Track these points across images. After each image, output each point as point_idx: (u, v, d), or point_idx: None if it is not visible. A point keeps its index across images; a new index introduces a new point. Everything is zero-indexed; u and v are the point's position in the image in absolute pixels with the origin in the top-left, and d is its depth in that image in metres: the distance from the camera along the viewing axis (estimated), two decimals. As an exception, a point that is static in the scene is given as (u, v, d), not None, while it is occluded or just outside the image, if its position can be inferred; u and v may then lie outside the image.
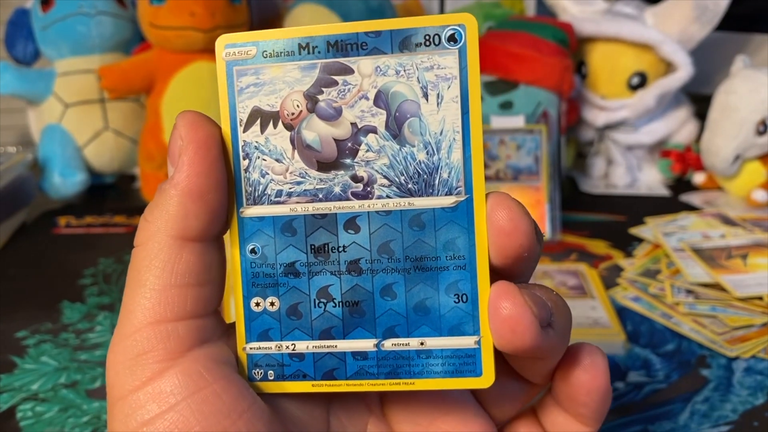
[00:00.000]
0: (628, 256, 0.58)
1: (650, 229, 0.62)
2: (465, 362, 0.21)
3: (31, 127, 0.77)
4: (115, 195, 0.76)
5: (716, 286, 0.51)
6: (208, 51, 0.70)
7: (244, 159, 0.21)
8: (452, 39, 0.20)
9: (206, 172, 0.20)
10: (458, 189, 0.21)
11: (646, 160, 0.78)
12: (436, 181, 0.21)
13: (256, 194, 0.21)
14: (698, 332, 0.46)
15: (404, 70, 0.21)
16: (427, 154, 0.21)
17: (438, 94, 0.21)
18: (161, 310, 0.20)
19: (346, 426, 0.23)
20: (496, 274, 0.21)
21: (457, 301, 0.21)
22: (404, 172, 0.21)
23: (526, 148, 0.64)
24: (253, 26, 0.75)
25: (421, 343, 0.21)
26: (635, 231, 0.63)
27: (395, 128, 0.21)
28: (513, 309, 0.20)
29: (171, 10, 0.68)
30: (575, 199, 0.73)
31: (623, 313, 0.49)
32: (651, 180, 0.78)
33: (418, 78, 0.21)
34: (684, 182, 0.77)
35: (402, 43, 0.21)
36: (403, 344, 0.21)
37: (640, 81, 0.74)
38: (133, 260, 0.21)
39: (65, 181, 0.71)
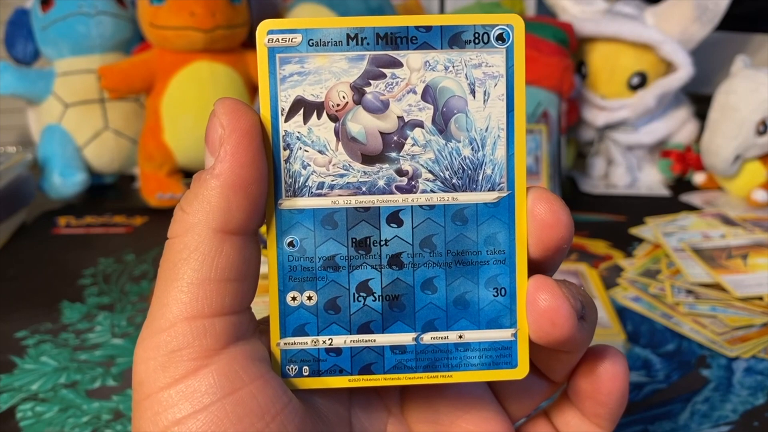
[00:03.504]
0: (628, 257, 0.58)
1: (650, 229, 0.62)
2: (501, 354, 0.22)
3: (30, 127, 0.77)
4: (115, 195, 0.76)
5: (716, 286, 0.51)
6: (208, 51, 0.70)
7: (284, 149, 0.21)
8: (500, 38, 0.21)
9: (249, 162, 0.20)
10: (501, 185, 0.21)
11: (646, 160, 0.78)
12: (480, 177, 0.21)
13: (297, 186, 0.21)
14: (698, 332, 0.46)
15: (453, 66, 0.21)
16: (472, 149, 0.21)
17: (485, 92, 0.21)
18: (199, 305, 0.19)
19: (366, 427, 0.23)
20: (532, 267, 0.22)
21: (495, 294, 0.22)
22: (449, 167, 0.21)
23: (526, 148, 0.64)
24: (253, 26, 0.75)
25: (460, 336, 0.22)
26: (635, 231, 0.63)
27: (442, 123, 0.21)
28: (553, 301, 0.20)
29: (171, 9, 0.68)
30: (575, 199, 0.73)
31: (623, 313, 0.49)
32: (651, 180, 0.77)
33: (466, 74, 0.21)
34: (684, 182, 0.77)
35: (452, 39, 0.21)
36: (441, 338, 0.22)
37: (640, 81, 0.74)
38: (168, 252, 0.20)
39: (65, 181, 0.71)
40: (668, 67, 0.74)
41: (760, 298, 0.49)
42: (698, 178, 0.75)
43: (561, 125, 0.69)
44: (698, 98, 0.80)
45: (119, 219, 0.69)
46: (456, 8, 0.91)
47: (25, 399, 0.41)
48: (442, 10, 0.94)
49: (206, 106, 0.70)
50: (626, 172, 0.77)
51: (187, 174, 0.73)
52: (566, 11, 0.79)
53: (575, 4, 0.78)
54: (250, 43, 0.76)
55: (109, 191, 0.77)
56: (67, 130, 0.73)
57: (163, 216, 0.69)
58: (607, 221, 0.67)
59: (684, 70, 0.72)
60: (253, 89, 0.73)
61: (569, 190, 0.75)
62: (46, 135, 0.73)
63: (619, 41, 0.74)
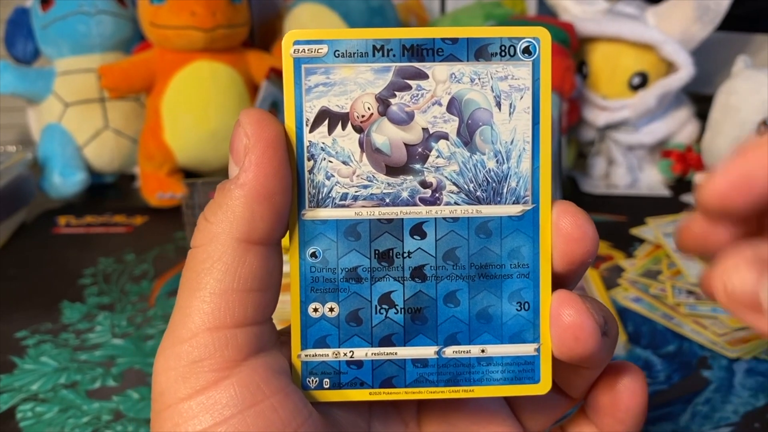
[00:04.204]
0: (629, 257, 0.58)
1: (651, 229, 0.62)
2: (524, 369, 0.22)
3: (30, 126, 0.77)
4: (115, 194, 0.76)
5: (717, 287, 0.51)
6: (209, 50, 0.70)
7: (308, 160, 0.21)
8: (527, 51, 0.21)
9: (274, 172, 0.20)
10: (525, 198, 0.21)
11: (646, 160, 0.78)
12: (504, 190, 0.21)
13: (320, 196, 0.21)
14: (699, 333, 0.46)
15: (479, 79, 0.21)
16: (497, 162, 0.21)
17: (510, 104, 0.21)
18: (221, 315, 0.19)
19: None
20: (554, 281, 0.22)
21: (519, 309, 0.21)
22: (473, 180, 0.21)
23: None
24: (253, 26, 0.75)
25: (482, 351, 0.21)
26: (636, 231, 0.63)
27: (467, 135, 0.21)
28: (577, 317, 0.20)
29: (171, 9, 0.68)
30: (576, 199, 0.73)
31: (624, 314, 0.49)
32: (652, 180, 0.77)
33: (492, 87, 0.21)
34: (685, 182, 0.77)
35: (478, 51, 0.21)
36: (464, 351, 0.21)
37: (641, 81, 0.74)
38: (191, 262, 0.20)
39: (65, 181, 0.70)
40: (669, 67, 0.74)
41: (761, 299, 0.49)
42: (699, 178, 0.75)
43: (562, 125, 0.69)
44: (699, 98, 0.79)
45: (119, 218, 0.68)
46: (456, 8, 0.91)
47: (25, 399, 0.41)
48: (443, 9, 0.94)
49: (207, 106, 0.70)
50: (627, 172, 0.77)
51: (187, 174, 0.73)
52: (567, 11, 0.79)
53: (576, 4, 0.78)
54: (250, 43, 0.76)
55: (109, 191, 0.77)
56: (67, 130, 0.72)
57: (163, 216, 0.69)
58: (607, 221, 0.67)
59: (685, 71, 0.72)
60: (253, 89, 0.73)
61: (570, 190, 0.75)
62: (46, 134, 0.73)
63: (620, 41, 0.74)
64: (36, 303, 0.52)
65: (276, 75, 0.73)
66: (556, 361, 0.22)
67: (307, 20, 0.74)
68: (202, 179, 0.56)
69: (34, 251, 0.62)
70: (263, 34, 0.81)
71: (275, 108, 0.72)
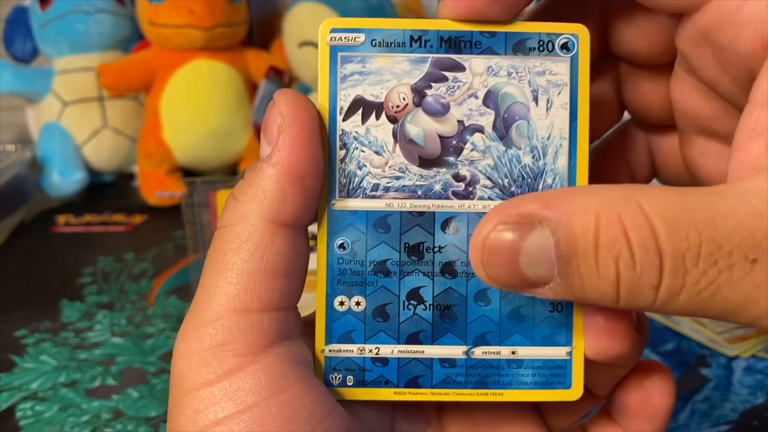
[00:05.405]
0: (628, 255, 0.58)
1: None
2: (555, 373, 0.21)
3: (29, 125, 0.77)
4: (114, 193, 0.76)
5: (716, 285, 0.51)
6: (208, 49, 0.70)
7: (341, 149, 0.20)
8: (565, 47, 0.20)
9: (307, 154, 0.19)
10: None
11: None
12: (540, 186, 0.20)
13: (351, 186, 0.20)
14: (698, 331, 0.46)
15: (516, 73, 0.20)
16: (533, 158, 0.20)
17: (548, 99, 0.20)
18: (247, 298, 0.18)
19: None
20: None
21: (552, 310, 0.21)
22: (508, 175, 0.20)
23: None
24: (252, 24, 0.75)
25: (513, 353, 0.21)
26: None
27: (503, 129, 0.20)
28: (612, 315, 0.20)
29: (170, 8, 0.68)
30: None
31: (623, 312, 0.49)
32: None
33: (529, 81, 0.20)
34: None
35: (516, 45, 0.20)
36: (493, 353, 0.21)
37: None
38: (217, 242, 0.19)
39: (64, 180, 0.70)
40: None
41: (760, 297, 0.49)
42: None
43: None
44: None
45: (118, 217, 0.68)
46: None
47: (24, 398, 0.41)
48: (441, 8, 0.94)
49: (206, 105, 0.70)
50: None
51: (186, 173, 0.73)
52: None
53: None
54: (249, 42, 0.76)
55: (108, 189, 0.77)
56: (66, 128, 0.72)
57: (162, 214, 0.69)
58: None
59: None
60: (252, 87, 0.73)
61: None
62: (45, 133, 0.73)
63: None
64: (35, 302, 0.52)
65: (275, 74, 0.73)
66: (585, 361, 0.21)
67: (306, 19, 0.74)
68: (202, 178, 0.56)
69: (33, 250, 0.62)
70: (262, 32, 0.81)
71: (274, 107, 0.72)
